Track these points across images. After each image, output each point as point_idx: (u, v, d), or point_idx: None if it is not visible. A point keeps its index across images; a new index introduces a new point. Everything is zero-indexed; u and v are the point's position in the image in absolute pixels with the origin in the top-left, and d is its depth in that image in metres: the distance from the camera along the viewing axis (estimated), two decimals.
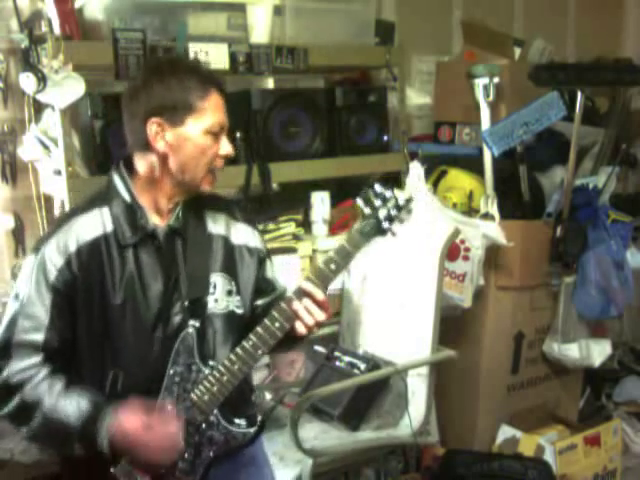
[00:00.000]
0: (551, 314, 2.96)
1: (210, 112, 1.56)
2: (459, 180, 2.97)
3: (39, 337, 1.51)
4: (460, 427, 2.94)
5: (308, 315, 1.55)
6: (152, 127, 1.54)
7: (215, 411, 1.57)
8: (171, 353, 1.56)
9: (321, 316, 1.56)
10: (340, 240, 1.57)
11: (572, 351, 2.93)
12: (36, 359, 1.52)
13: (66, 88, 2.16)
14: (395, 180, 2.86)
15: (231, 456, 1.65)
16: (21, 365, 1.51)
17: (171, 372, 1.56)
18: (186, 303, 1.59)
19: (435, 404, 2.51)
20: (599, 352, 2.98)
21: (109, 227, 1.56)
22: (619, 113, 3.28)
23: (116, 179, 1.61)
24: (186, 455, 1.57)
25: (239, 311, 1.67)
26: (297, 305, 1.55)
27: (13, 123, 2.53)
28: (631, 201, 3.28)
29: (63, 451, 1.60)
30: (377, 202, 1.54)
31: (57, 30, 2.19)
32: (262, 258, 1.77)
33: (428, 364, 2.40)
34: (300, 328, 1.56)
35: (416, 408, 2.37)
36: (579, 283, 2.87)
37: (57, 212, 2.47)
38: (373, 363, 2.40)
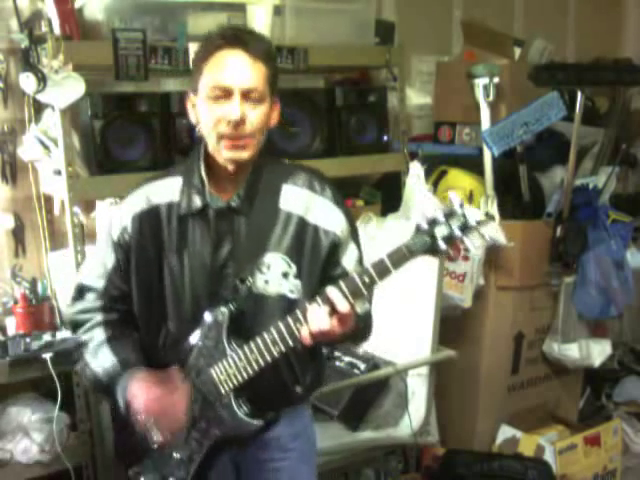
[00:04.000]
0: (551, 314, 2.97)
1: (208, 73, 1.49)
2: (459, 180, 2.97)
3: (101, 284, 1.65)
4: (460, 427, 2.94)
5: (315, 320, 1.43)
6: (188, 101, 1.58)
7: (230, 393, 1.57)
8: None
9: (325, 324, 1.42)
10: (382, 254, 1.41)
11: (572, 351, 2.93)
12: (95, 303, 1.66)
13: (66, 88, 2.16)
14: (395, 180, 2.86)
15: (253, 444, 1.65)
16: (84, 306, 1.67)
17: (200, 344, 1.58)
18: (238, 281, 1.57)
19: (435, 404, 2.52)
20: (599, 352, 2.98)
21: (176, 196, 1.60)
22: (619, 113, 3.28)
23: (195, 153, 1.63)
24: (201, 425, 1.59)
25: (292, 295, 1.58)
26: (312, 306, 1.44)
27: (13, 123, 2.53)
28: (631, 201, 3.28)
29: (102, 392, 1.74)
30: (440, 216, 1.36)
31: (57, 30, 2.19)
32: (337, 242, 1.61)
33: (428, 364, 2.40)
34: (304, 332, 1.45)
35: (416, 408, 2.37)
36: (579, 283, 2.87)
37: (57, 212, 2.48)
38: (373, 363, 2.40)
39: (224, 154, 1.52)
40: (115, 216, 1.65)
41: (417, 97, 3.43)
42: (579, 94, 2.74)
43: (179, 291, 1.60)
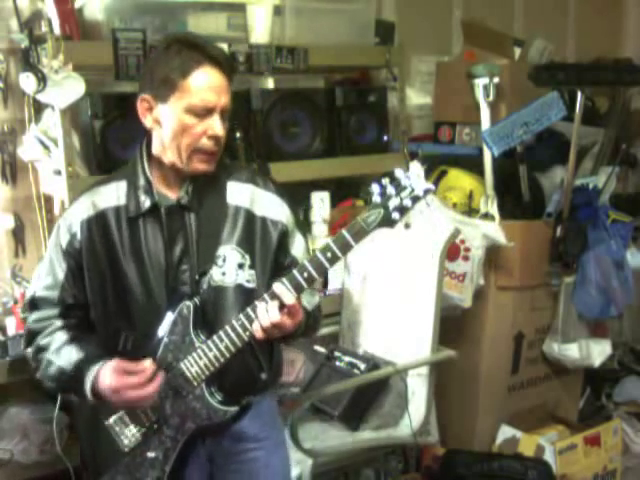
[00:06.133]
0: (551, 314, 2.96)
1: (191, 91, 1.52)
2: (459, 180, 2.97)
3: (55, 294, 1.66)
4: (460, 427, 2.94)
5: (264, 314, 1.48)
6: (141, 104, 1.59)
7: (202, 384, 1.59)
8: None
9: (275, 317, 1.47)
10: (342, 229, 1.46)
11: (572, 351, 2.93)
12: (53, 311, 1.66)
13: (66, 88, 2.16)
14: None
15: (227, 436, 1.67)
16: (40, 315, 1.67)
17: (166, 340, 1.60)
18: (196, 276, 1.61)
19: (435, 404, 2.51)
20: (599, 352, 2.98)
21: (122, 199, 1.63)
22: (619, 113, 3.28)
23: (137, 154, 1.66)
24: (175, 421, 1.60)
25: (249, 285, 1.64)
26: (260, 303, 1.50)
27: (13, 123, 2.53)
28: (631, 201, 3.28)
29: (64, 394, 1.79)
30: (390, 189, 1.42)
31: (57, 30, 2.19)
32: (285, 231, 1.69)
33: (428, 364, 2.40)
34: (256, 328, 1.50)
35: (416, 408, 2.37)
36: (579, 283, 2.87)
37: (57, 212, 2.47)
38: (373, 363, 2.40)
39: (195, 166, 1.59)
40: (62, 225, 1.66)
41: (417, 97, 3.43)
42: (579, 94, 2.74)
43: (137, 293, 1.62)
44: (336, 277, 2.68)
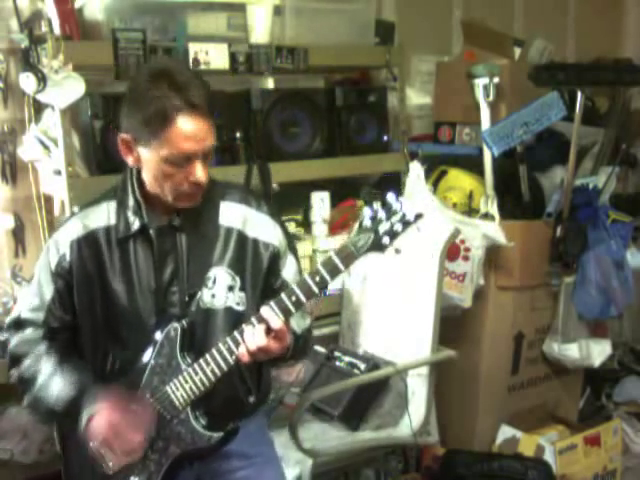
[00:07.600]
0: (551, 314, 2.96)
1: (171, 141, 1.48)
2: (459, 180, 2.97)
3: (40, 316, 1.64)
4: (460, 427, 2.93)
5: (251, 339, 1.47)
6: (121, 143, 1.57)
7: (187, 408, 1.57)
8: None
9: (261, 341, 1.46)
10: (331, 252, 1.45)
11: (572, 351, 2.93)
12: (37, 333, 1.64)
13: (66, 88, 2.16)
14: (395, 180, 2.86)
15: (214, 458, 1.65)
16: (24, 337, 1.65)
17: (153, 363, 1.59)
18: (186, 298, 1.60)
19: (435, 404, 2.51)
20: (599, 352, 2.98)
21: (113, 220, 1.62)
22: (619, 113, 3.28)
23: (127, 174, 1.65)
24: (159, 445, 1.58)
25: (239, 308, 1.63)
26: (247, 326, 1.49)
27: (13, 123, 2.53)
28: (631, 201, 3.28)
29: (55, 422, 1.74)
30: (381, 213, 1.41)
31: (57, 30, 2.19)
32: (276, 254, 1.68)
33: (428, 364, 2.40)
34: (242, 352, 1.49)
35: (416, 408, 2.37)
36: (579, 283, 2.87)
37: (57, 212, 2.47)
38: (373, 363, 2.40)
39: (180, 204, 1.57)
40: (51, 246, 1.64)
41: (417, 97, 3.43)
42: (579, 94, 2.74)
43: (126, 314, 1.60)
44: None
